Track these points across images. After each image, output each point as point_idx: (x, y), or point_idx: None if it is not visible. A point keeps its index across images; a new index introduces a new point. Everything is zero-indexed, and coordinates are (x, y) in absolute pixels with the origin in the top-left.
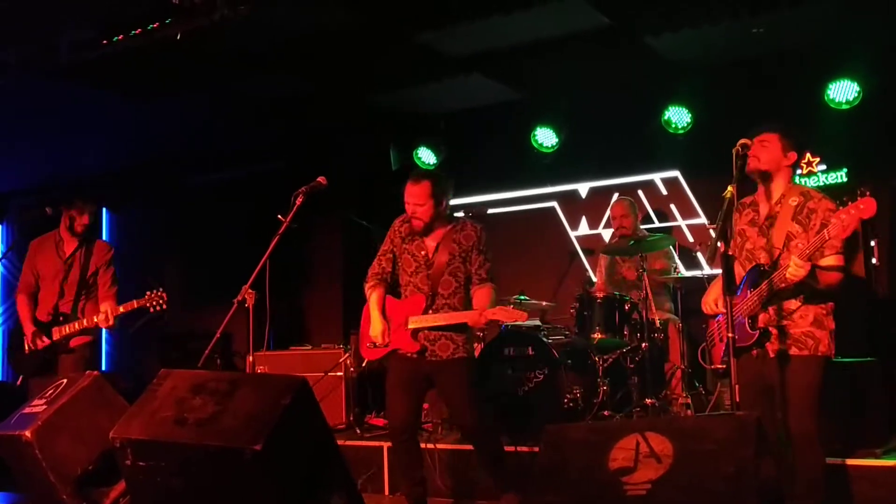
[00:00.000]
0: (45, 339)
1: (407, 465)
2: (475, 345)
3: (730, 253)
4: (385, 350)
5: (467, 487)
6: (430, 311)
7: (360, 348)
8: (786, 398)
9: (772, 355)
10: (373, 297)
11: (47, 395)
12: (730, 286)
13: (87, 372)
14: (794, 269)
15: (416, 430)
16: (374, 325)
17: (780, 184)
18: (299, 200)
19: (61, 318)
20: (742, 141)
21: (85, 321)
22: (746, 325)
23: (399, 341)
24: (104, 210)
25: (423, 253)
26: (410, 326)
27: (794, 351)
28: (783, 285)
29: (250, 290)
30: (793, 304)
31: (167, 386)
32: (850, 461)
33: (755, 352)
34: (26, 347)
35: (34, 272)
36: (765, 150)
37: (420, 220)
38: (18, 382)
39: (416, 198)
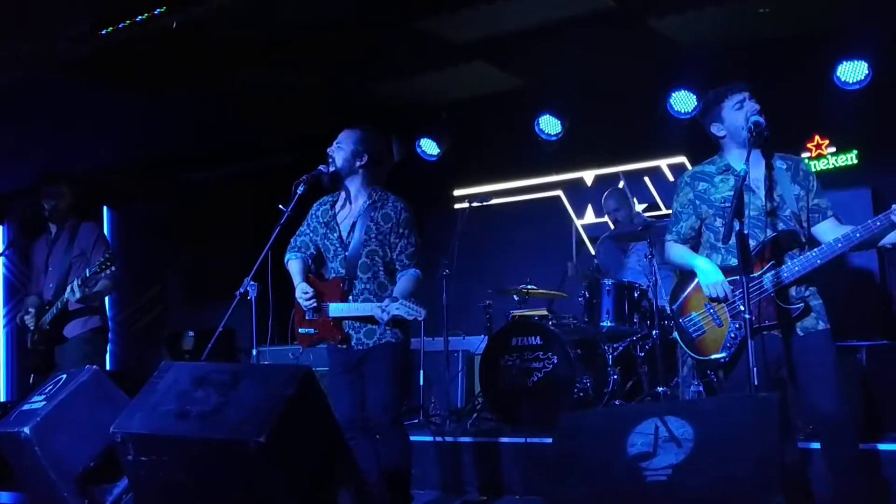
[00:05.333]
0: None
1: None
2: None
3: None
4: (316, 337)
5: (469, 481)
6: (350, 298)
7: (296, 336)
8: (814, 380)
9: (801, 333)
10: (291, 267)
11: (46, 390)
12: (746, 266)
13: (87, 366)
14: None
15: (365, 425)
16: (298, 292)
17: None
18: (301, 189)
19: (46, 307)
20: (754, 119)
21: (61, 301)
22: (775, 299)
23: (324, 330)
24: (105, 207)
25: (336, 234)
26: (331, 315)
27: (820, 325)
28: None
29: (252, 282)
30: (815, 271)
31: (169, 379)
32: (881, 446)
33: (779, 331)
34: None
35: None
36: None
37: (332, 163)
38: (31, 381)
39: (341, 138)
